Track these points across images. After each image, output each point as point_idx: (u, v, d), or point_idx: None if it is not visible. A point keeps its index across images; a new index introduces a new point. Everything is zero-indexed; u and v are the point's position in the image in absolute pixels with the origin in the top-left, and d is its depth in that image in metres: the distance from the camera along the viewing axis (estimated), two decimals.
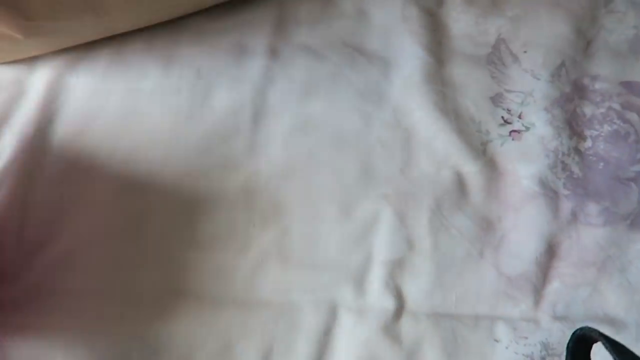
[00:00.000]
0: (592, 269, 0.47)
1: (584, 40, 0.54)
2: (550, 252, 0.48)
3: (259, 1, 0.57)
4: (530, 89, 0.53)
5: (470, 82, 0.54)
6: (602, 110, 0.52)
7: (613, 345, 0.27)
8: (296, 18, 0.57)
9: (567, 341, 0.45)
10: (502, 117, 0.52)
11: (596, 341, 0.28)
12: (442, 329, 0.47)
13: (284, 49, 0.55)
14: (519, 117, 0.52)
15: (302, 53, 0.55)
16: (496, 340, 0.46)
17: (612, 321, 0.46)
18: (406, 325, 0.47)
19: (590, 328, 0.28)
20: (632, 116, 0.52)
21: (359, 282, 0.48)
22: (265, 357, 0.45)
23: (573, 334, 0.29)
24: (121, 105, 0.53)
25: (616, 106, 0.52)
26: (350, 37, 0.56)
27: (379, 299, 0.47)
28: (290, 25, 0.57)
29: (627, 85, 0.53)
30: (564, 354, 0.45)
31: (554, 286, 0.47)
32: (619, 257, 0.48)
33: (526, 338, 0.46)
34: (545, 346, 0.46)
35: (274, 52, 0.55)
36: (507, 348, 0.46)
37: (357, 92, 0.54)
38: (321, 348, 0.46)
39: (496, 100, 0.53)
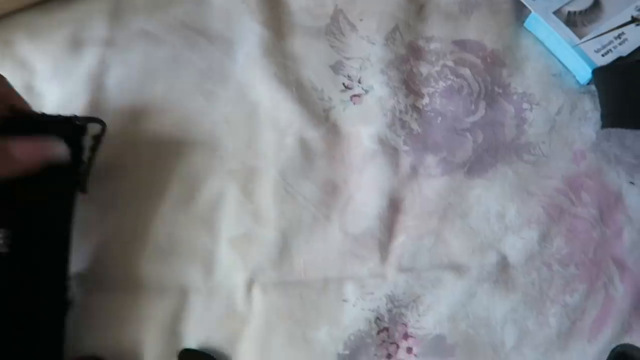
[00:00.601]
0: (434, 218, 0.48)
1: (417, 5, 0.56)
2: (393, 207, 0.48)
3: None
4: (367, 54, 0.54)
5: (310, 53, 0.54)
6: (437, 68, 0.53)
7: None
8: (134, 6, 0.56)
9: (412, 290, 0.46)
10: (343, 84, 0.53)
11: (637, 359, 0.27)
12: (290, 296, 0.46)
13: (120, 37, 0.55)
14: (359, 81, 0.53)
15: (139, 39, 0.54)
16: (344, 300, 0.46)
17: (456, 267, 0.47)
18: (256, 299, 0.46)
19: (631, 345, 0.27)
20: (465, 71, 0.53)
21: (208, 263, 0.47)
22: (116, 346, 0.44)
23: (612, 350, 0.28)
24: None
25: (450, 63, 0.54)
26: (191, 20, 0.56)
27: (227, 277, 0.46)
28: (127, 13, 0.56)
29: (460, 44, 0.55)
30: (411, 304, 0.46)
31: (400, 240, 0.48)
32: (459, 204, 0.48)
33: (372, 293, 0.46)
34: (390, 298, 0.46)
35: (110, 41, 0.54)
36: (354, 306, 0.46)
37: (199, 73, 0.53)
38: (170, 334, 0.45)
39: (336, 68, 0.54)
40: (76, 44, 0.54)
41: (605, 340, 0.45)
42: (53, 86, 0.53)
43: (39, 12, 0.56)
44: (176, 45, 0.55)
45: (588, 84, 0.52)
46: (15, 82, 0.52)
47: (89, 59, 0.54)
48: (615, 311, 0.45)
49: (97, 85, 0.53)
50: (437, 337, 0.45)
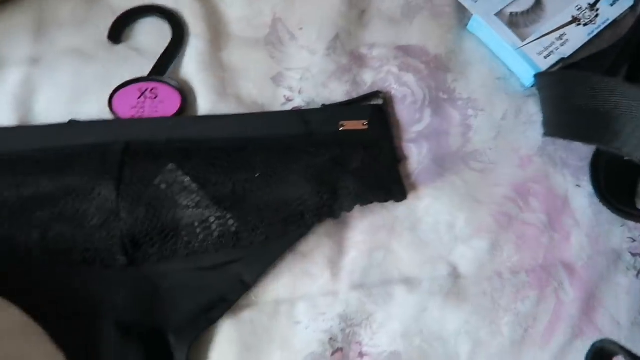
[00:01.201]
0: (382, 232, 0.47)
1: (358, 10, 0.55)
2: (341, 223, 0.47)
3: (13, 7, 0.53)
4: (308, 64, 0.52)
5: (250, 65, 0.52)
6: (382, 75, 0.52)
7: (633, 358, 0.26)
8: (58, 21, 0.53)
9: (364, 308, 0.45)
10: (284, 96, 0.51)
11: (616, 354, 0.27)
12: (240, 322, 0.45)
13: (46, 54, 0.51)
14: (299, 92, 0.51)
15: (67, 56, 0.51)
16: (297, 322, 0.45)
17: (407, 280, 0.46)
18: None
19: (610, 341, 0.27)
20: (409, 78, 0.52)
21: None
22: None
23: (592, 346, 0.27)
24: None
25: (394, 69, 0.52)
26: (122, 35, 0.53)
27: None
28: (52, 29, 0.52)
29: (403, 49, 0.54)
30: (364, 322, 0.45)
31: (351, 256, 0.47)
32: (407, 216, 0.48)
33: (324, 314, 0.45)
34: (343, 318, 0.45)
35: (35, 60, 0.51)
36: (307, 328, 0.44)
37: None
38: None
39: (277, 79, 0.52)
40: None
41: (558, 346, 0.45)
42: None
43: None
44: (106, 61, 0.52)
45: (532, 86, 0.52)
46: None
47: (12, 79, 0.50)
48: (566, 316, 0.45)
49: (25, 108, 0.49)
50: (392, 354, 0.44)
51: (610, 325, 0.45)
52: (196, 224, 0.44)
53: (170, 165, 0.45)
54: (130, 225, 0.44)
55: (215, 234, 0.44)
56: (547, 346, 0.45)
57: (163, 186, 0.45)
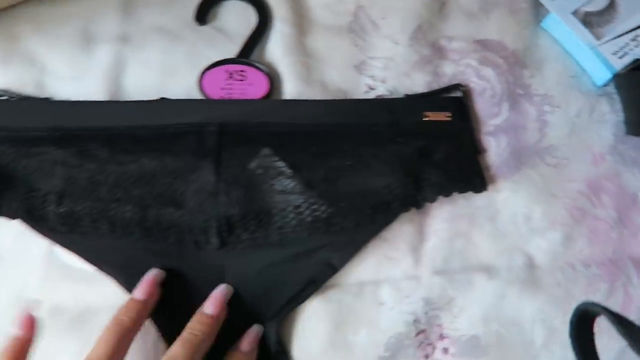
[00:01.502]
0: (463, 222, 0.49)
1: (438, 2, 0.56)
2: (422, 211, 0.49)
3: None
4: (392, 54, 0.53)
5: (333, 52, 0.53)
6: (461, 68, 0.54)
7: (616, 318, 0.27)
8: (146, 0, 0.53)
9: (446, 293, 0.48)
10: (367, 84, 0.53)
11: (599, 315, 0.28)
12: (328, 301, 0.47)
13: (134, 33, 0.52)
14: (382, 82, 0.53)
15: (155, 35, 0.52)
16: (381, 304, 0.47)
17: (486, 268, 0.48)
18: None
19: (593, 303, 0.28)
20: (488, 72, 0.54)
21: None
22: None
23: (576, 309, 0.28)
24: None
25: (474, 63, 0.54)
26: (208, 16, 0.54)
27: None
28: (139, 7, 0.53)
29: (482, 43, 0.55)
30: (445, 306, 0.47)
31: (432, 242, 0.49)
32: (486, 207, 0.50)
33: (409, 297, 0.47)
34: (426, 301, 0.47)
35: (124, 38, 0.52)
36: (391, 309, 0.47)
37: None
38: None
39: (360, 67, 0.53)
40: (88, 40, 0.52)
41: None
42: (67, 85, 0.50)
43: (46, 5, 0.52)
44: (193, 42, 0.53)
45: (604, 85, 0.54)
46: (25, 79, 0.50)
47: (103, 56, 0.51)
48: (634, 308, 0.48)
49: (115, 84, 0.50)
50: (471, 337, 0.47)
51: None
52: (289, 209, 0.46)
53: (266, 150, 0.47)
54: (228, 207, 0.45)
55: (308, 219, 0.46)
56: (615, 336, 0.47)
57: (259, 171, 0.46)
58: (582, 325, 0.29)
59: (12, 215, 0.45)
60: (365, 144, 0.48)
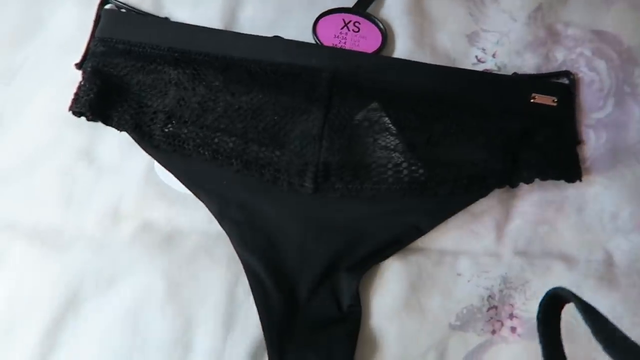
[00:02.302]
0: (551, 208, 0.49)
1: None
2: (512, 192, 0.49)
3: None
4: (507, 29, 0.52)
5: (448, 18, 0.52)
6: (573, 56, 0.52)
7: (583, 306, 0.27)
8: None
9: (523, 275, 0.48)
10: (476, 56, 0.52)
11: (568, 301, 0.29)
12: (408, 263, 0.47)
13: None
14: (493, 56, 0.52)
15: None
16: (459, 274, 0.48)
17: (565, 257, 0.48)
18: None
19: (563, 289, 0.28)
20: (600, 64, 0.52)
21: None
22: None
23: (547, 292, 0.29)
24: None
25: (587, 52, 0.52)
26: None
27: None
28: None
29: (598, 34, 0.53)
30: (520, 287, 0.48)
31: (516, 223, 0.49)
32: (576, 198, 0.50)
33: (487, 272, 0.48)
34: (504, 280, 0.48)
35: None
36: (469, 281, 0.48)
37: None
38: None
39: (472, 38, 0.52)
40: None
41: None
42: (183, 9, 0.50)
43: None
44: None
45: None
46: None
47: None
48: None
49: (231, 16, 0.50)
50: None
51: None
52: (390, 166, 0.46)
53: (374, 104, 0.47)
54: (328, 154, 0.45)
55: (406, 179, 0.46)
56: None
57: (365, 123, 0.46)
58: (550, 309, 0.29)
59: (121, 127, 0.46)
60: (471, 115, 0.48)
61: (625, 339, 0.26)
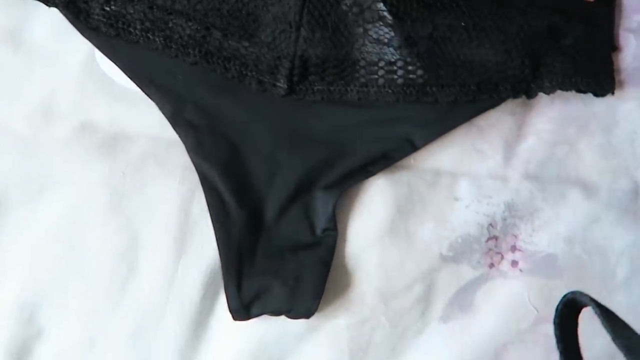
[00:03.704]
0: (573, 126, 0.41)
1: None
2: (526, 103, 0.40)
3: None
4: None
5: None
6: None
7: (603, 312, 0.25)
8: None
9: (533, 202, 0.40)
10: None
11: (585, 306, 0.27)
12: (396, 183, 0.40)
13: None
14: None
15: None
16: (456, 199, 0.40)
17: (585, 184, 0.40)
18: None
19: (581, 293, 0.27)
20: None
21: None
22: None
23: (564, 296, 0.27)
24: None
25: None
26: None
27: None
28: None
29: None
30: (527, 216, 0.41)
31: (530, 142, 0.40)
32: (604, 115, 0.41)
33: (490, 197, 0.40)
34: (509, 206, 0.40)
35: None
36: (467, 207, 0.40)
37: None
38: None
39: None
40: None
41: None
42: None
43: None
44: None
45: None
46: None
47: None
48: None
49: None
50: (548, 256, 0.40)
51: None
52: (381, 64, 0.37)
53: None
54: (308, 46, 0.36)
55: (399, 81, 0.37)
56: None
57: (355, 9, 0.37)
58: (568, 313, 0.28)
59: (50, 1, 0.37)
60: (488, 6, 0.38)
61: None
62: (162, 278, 0.39)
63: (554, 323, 0.27)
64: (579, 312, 0.28)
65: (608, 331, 0.25)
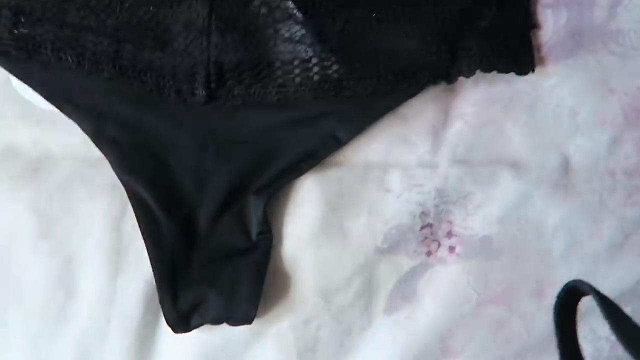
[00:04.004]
0: (497, 106, 0.41)
1: None
2: (449, 89, 0.40)
3: None
4: None
5: None
6: None
7: (602, 300, 0.25)
8: None
9: (464, 186, 0.41)
10: None
11: (586, 294, 0.27)
12: (326, 180, 0.39)
13: None
14: None
15: None
16: (387, 190, 0.40)
17: (514, 164, 0.40)
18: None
19: (582, 281, 0.27)
20: None
21: None
22: None
23: (565, 285, 0.28)
24: None
25: None
26: None
27: None
28: None
29: None
30: (460, 201, 0.41)
31: (456, 127, 0.40)
32: (528, 93, 0.41)
33: (420, 185, 0.40)
34: (439, 192, 0.40)
35: None
36: (398, 197, 0.40)
37: None
38: None
39: None
40: None
41: None
42: None
43: None
44: None
45: None
46: None
47: None
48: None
49: None
50: (483, 238, 0.40)
51: None
52: (296, 62, 0.37)
53: None
54: (220, 52, 0.36)
55: (315, 77, 0.37)
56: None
57: (263, 10, 0.36)
58: (568, 301, 0.28)
59: None
60: None
61: None
62: (101, 299, 0.38)
63: (554, 312, 0.27)
64: (578, 300, 0.28)
65: (608, 321, 0.24)
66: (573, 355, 0.27)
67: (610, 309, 0.25)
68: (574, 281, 0.27)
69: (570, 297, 0.28)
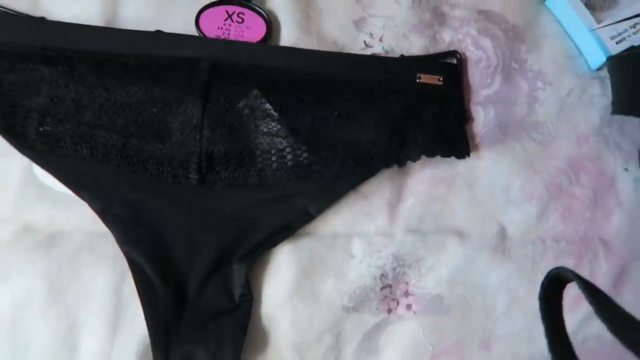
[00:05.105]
0: (443, 185, 0.48)
1: None
2: (403, 171, 0.47)
3: None
4: (392, 14, 0.51)
5: (335, 5, 0.50)
6: (460, 36, 0.51)
7: (586, 285, 0.26)
8: None
9: (416, 252, 0.47)
10: (364, 41, 0.50)
11: (570, 281, 0.28)
12: (300, 249, 0.45)
13: None
14: (380, 40, 0.50)
15: None
16: (352, 256, 0.46)
17: (459, 232, 0.47)
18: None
19: (565, 268, 0.27)
20: (486, 42, 0.51)
21: None
22: None
23: (548, 273, 0.28)
24: None
25: (473, 32, 0.51)
26: None
27: None
28: None
29: (484, 14, 0.52)
30: (414, 264, 0.46)
31: (409, 202, 0.47)
32: (468, 173, 0.48)
33: (379, 251, 0.46)
34: (396, 257, 0.46)
35: None
36: (361, 262, 0.46)
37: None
38: None
39: (359, 24, 0.50)
40: None
41: (584, 311, 0.47)
42: (61, 7, 0.47)
43: None
44: None
45: (598, 69, 0.52)
46: None
47: None
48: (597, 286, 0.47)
49: (111, 12, 0.48)
50: (435, 297, 0.46)
51: (635, 298, 0.48)
52: (273, 151, 0.44)
53: (256, 91, 0.45)
54: (211, 144, 0.43)
55: (290, 163, 0.44)
56: (576, 309, 0.46)
57: (247, 111, 0.44)
58: (552, 289, 0.28)
59: None
60: (357, 98, 0.46)
61: (628, 317, 0.25)
62: (99, 356, 0.42)
63: (539, 299, 0.28)
64: (563, 287, 0.28)
65: (592, 305, 0.25)
66: (561, 342, 0.28)
67: (595, 295, 0.26)
68: (557, 268, 0.28)
69: (554, 284, 0.28)
